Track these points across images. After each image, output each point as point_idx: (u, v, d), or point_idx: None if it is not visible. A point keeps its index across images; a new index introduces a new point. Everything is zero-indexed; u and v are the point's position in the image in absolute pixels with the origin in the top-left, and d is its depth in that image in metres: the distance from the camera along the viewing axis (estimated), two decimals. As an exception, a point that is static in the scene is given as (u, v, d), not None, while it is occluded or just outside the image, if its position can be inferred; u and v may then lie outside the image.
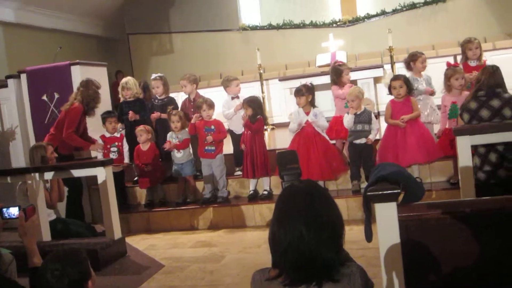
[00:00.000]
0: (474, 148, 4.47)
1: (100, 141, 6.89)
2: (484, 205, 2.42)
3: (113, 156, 6.73)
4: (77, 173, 5.75)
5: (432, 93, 6.31)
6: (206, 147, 6.57)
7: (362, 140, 6.06)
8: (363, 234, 2.42)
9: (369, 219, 2.36)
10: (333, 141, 6.50)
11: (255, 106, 6.43)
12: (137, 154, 6.87)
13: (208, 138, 6.48)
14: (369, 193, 2.32)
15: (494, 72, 4.54)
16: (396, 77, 6.06)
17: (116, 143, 6.88)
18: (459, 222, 2.26)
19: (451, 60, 7.76)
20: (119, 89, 7.29)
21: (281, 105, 10.18)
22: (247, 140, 6.47)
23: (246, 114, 6.43)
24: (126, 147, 6.96)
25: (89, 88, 6.58)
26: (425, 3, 13.21)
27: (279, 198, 1.98)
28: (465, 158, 4.24)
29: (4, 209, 3.01)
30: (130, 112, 7.04)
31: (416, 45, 11.08)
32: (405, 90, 5.87)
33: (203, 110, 6.53)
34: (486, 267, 2.32)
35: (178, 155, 6.72)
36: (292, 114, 6.49)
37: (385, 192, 2.29)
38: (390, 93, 6.01)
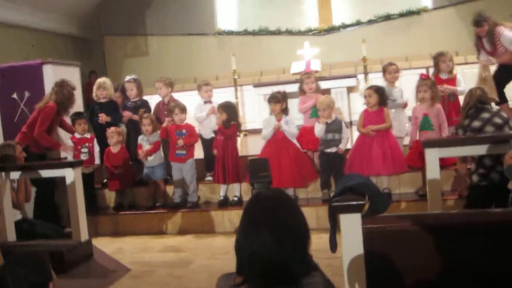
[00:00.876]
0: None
1: (70, 142, 6.81)
2: (449, 219, 2.45)
3: (83, 157, 6.64)
4: (45, 173, 5.66)
5: (405, 106, 6.39)
6: (177, 151, 6.54)
7: (333, 149, 6.08)
8: (329, 244, 2.43)
9: (334, 230, 2.37)
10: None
11: (229, 112, 6.43)
12: (107, 156, 6.81)
13: (179, 142, 6.45)
14: (334, 204, 2.34)
15: (480, 91, 4.92)
16: (368, 87, 6.14)
17: (87, 144, 6.81)
18: (424, 235, 2.28)
19: (424, 72, 7.89)
20: (94, 88, 7.24)
21: (255, 112, 10.18)
22: (219, 145, 6.46)
23: (220, 119, 6.42)
24: (97, 148, 6.88)
25: (64, 88, 6.56)
26: (400, 15, 13.38)
27: (246, 205, 1.99)
28: (433, 170, 4.30)
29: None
30: (102, 114, 6.98)
31: (390, 56, 11.20)
32: (375, 100, 5.91)
33: (175, 114, 6.50)
34: (449, 281, 2.34)
35: (150, 158, 6.68)
36: (264, 121, 6.49)
37: (350, 203, 2.31)
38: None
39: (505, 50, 6.76)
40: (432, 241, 2.32)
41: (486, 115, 4.75)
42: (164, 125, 6.58)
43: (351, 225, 2.34)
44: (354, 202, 2.29)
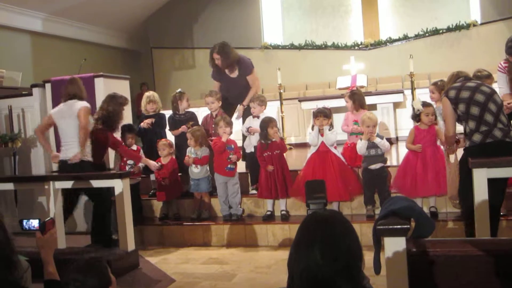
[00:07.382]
0: (466, 114, 4.67)
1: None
2: (494, 246, 2.43)
3: (129, 169, 6.79)
4: (94, 183, 5.83)
5: None
6: (228, 166, 6.57)
7: (377, 165, 6.05)
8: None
9: (378, 252, 2.39)
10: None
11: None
12: (157, 167, 6.95)
13: (233, 157, 6.49)
14: (379, 227, 2.36)
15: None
16: (429, 104, 6.02)
17: (132, 156, 6.95)
18: (468, 261, 2.27)
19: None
20: (143, 101, 7.39)
21: (300, 126, 10.20)
22: (271, 161, 6.42)
23: (277, 133, 6.43)
24: (142, 160, 7.06)
25: (111, 104, 6.46)
26: (448, 30, 13.22)
27: (301, 223, 2.04)
28: (481, 191, 4.21)
29: (25, 221, 3.09)
30: (146, 120, 7.17)
31: (437, 71, 11.11)
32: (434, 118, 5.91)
33: (220, 127, 6.54)
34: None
35: (196, 171, 6.76)
36: (310, 134, 6.44)
37: (395, 226, 2.32)
38: (414, 119, 5.97)
39: None
40: (477, 268, 2.30)
41: (472, 84, 4.80)
42: (223, 139, 6.51)
43: (396, 249, 2.35)
44: (399, 226, 2.31)
